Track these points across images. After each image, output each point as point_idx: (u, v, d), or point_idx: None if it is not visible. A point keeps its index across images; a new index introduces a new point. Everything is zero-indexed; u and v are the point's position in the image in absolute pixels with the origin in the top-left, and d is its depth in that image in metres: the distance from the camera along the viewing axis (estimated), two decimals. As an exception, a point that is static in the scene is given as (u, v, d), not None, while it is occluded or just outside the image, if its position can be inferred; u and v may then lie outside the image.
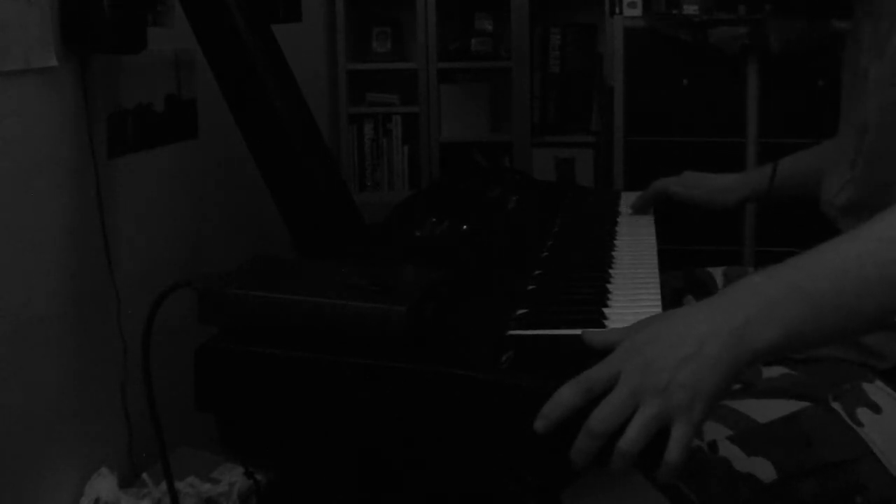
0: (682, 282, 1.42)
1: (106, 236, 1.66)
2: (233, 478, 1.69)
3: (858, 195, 1.16)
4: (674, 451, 0.78)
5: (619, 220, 1.55)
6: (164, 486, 1.59)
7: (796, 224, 1.29)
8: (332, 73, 3.04)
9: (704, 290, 1.38)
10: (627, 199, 1.70)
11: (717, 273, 1.43)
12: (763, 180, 1.51)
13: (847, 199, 1.18)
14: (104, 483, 1.64)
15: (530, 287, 1.13)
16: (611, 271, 1.20)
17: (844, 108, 1.24)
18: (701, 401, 0.79)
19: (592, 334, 0.89)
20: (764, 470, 0.94)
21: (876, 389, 1.02)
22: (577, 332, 0.91)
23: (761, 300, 0.81)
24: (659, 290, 1.11)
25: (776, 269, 0.83)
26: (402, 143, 3.14)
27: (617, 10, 2.76)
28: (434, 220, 1.35)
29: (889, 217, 0.82)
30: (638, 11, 2.73)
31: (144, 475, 1.69)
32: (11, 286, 1.45)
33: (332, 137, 3.04)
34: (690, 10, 2.63)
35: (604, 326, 0.98)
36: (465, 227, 1.34)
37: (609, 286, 1.13)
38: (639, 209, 1.59)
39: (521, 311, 1.03)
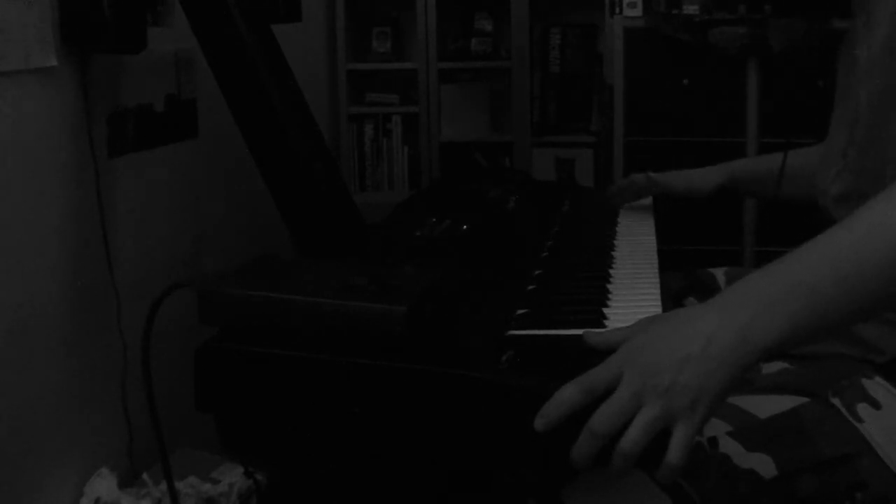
0: (682, 282, 1.42)
1: (106, 236, 1.66)
2: (233, 478, 1.69)
3: (851, 184, 1.16)
4: (675, 452, 0.78)
5: (619, 220, 1.55)
6: (164, 486, 1.59)
7: (796, 224, 1.29)
8: (332, 73, 3.04)
9: (706, 290, 1.38)
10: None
11: (719, 273, 1.43)
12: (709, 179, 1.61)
13: (840, 188, 1.18)
14: (104, 483, 1.63)
15: (530, 287, 1.13)
16: (611, 271, 1.20)
17: (838, 103, 1.25)
18: (704, 402, 0.79)
19: (594, 335, 0.89)
20: (764, 466, 0.94)
21: (875, 385, 1.02)
22: (578, 332, 0.92)
23: (763, 298, 0.81)
24: (659, 290, 1.11)
25: (774, 265, 0.84)
26: (402, 143, 3.14)
27: (617, 10, 2.76)
28: (434, 220, 1.35)
29: (880, 204, 0.82)
30: (638, 11, 2.73)
31: (144, 475, 1.69)
32: (11, 286, 1.45)
33: (332, 137, 3.04)
34: (690, 10, 2.63)
35: (604, 326, 0.98)
36: (465, 227, 1.34)
37: (609, 286, 1.13)
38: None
39: (521, 311, 1.03)
